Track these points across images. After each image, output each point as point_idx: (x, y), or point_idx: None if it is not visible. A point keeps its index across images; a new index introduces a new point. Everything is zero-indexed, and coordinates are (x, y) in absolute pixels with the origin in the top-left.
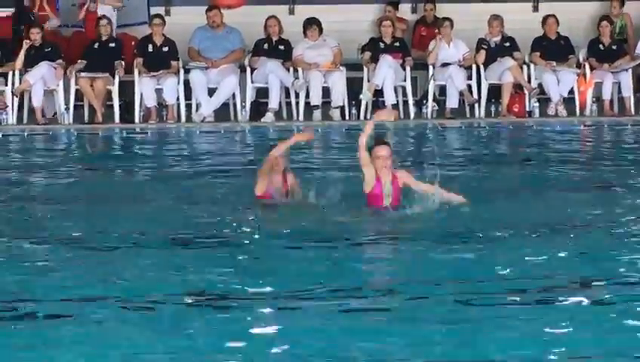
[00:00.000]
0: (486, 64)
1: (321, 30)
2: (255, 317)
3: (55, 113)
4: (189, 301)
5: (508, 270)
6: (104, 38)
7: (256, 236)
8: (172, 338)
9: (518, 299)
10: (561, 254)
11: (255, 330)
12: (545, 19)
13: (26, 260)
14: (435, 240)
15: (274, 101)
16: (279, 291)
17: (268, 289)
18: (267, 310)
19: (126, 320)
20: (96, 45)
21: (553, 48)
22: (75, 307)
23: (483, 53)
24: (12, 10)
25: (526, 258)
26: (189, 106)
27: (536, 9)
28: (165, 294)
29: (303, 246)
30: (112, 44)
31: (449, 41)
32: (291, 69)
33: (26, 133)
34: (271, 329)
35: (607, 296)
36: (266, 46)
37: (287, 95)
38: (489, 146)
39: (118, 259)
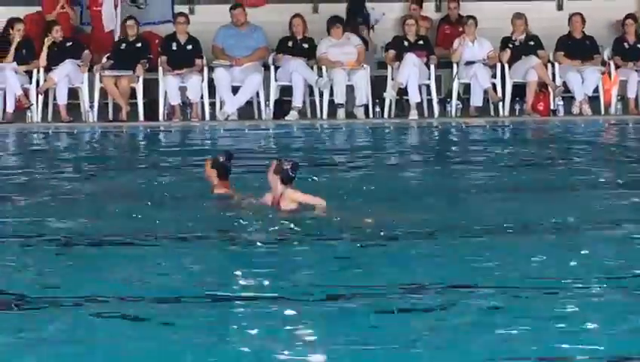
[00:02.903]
0: (510, 62)
1: (344, 28)
2: None
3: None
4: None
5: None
6: (131, 38)
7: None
8: None
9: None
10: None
11: None
12: (570, 17)
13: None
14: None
15: (298, 99)
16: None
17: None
18: None
19: None
20: (122, 45)
21: (578, 47)
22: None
23: (508, 51)
24: (38, 8)
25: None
26: (213, 104)
27: (560, 7)
28: None
29: None
30: (139, 44)
31: (473, 40)
32: (315, 67)
33: (50, 131)
34: None
35: None
36: (290, 44)
37: (311, 93)
38: (513, 144)
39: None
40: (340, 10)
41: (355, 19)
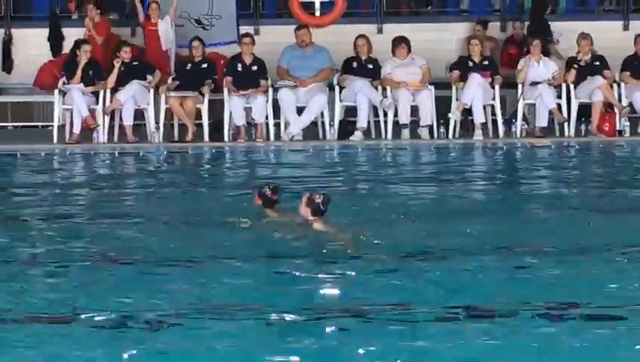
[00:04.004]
0: (576, 83)
1: (409, 49)
2: None
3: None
4: None
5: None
6: (197, 59)
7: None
8: None
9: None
10: None
11: None
12: (636, 37)
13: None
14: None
15: (362, 120)
16: None
17: None
18: None
19: None
20: (188, 66)
21: None
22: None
23: (573, 72)
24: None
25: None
26: (277, 125)
27: (626, 27)
28: None
29: None
30: (205, 65)
31: (538, 60)
32: (380, 87)
33: (116, 152)
34: None
35: None
36: (354, 65)
37: (376, 114)
38: (579, 165)
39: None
40: (404, 30)
41: (540, 35)
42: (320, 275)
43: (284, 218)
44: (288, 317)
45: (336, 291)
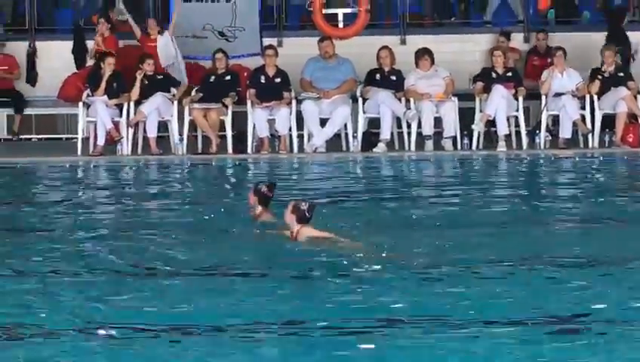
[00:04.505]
0: (600, 94)
1: (432, 60)
2: None
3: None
4: None
5: None
6: (220, 71)
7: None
8: None
9: None
10: None
11: None
12: None
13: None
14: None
15: (386, 131)
16: None
17: None
18: None
19: None
20: (212, 78)
21: None
22: None
23: (597, 83)
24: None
25: None
26: (301, 137)
27: None
28: None
29: None
30: (228, 77)
31: (562, 71)
32: (403, 99)
33: (140, 164)
34: None
35: None
36: (377, 76)
37: (399, 125)
38: (603, 176)
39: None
40: (428, 41)
41: (617, 45)
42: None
43: (275, 220)
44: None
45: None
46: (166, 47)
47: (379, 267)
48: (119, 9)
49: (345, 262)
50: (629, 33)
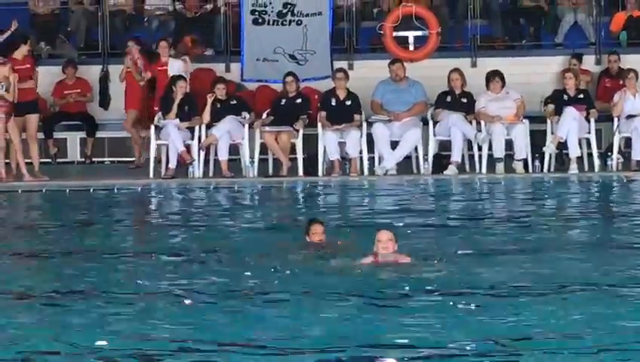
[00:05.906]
0: None
1: (503, 82)
2: None
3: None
4: None
5: None
6: (291, 94)
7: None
8: None
9: None
10: None
11: None
12: None
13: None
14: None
15: (456, 154)
16: None
17: None
18: None
19: None
20: (283, 101)
21: None
22: None
23: None
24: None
25: None
26: (372, 159)
27: None
28: None
29: None
30: (299, 100)
31: (634, 93)
32: (474, 121)
33: (212, 186)
34: None
35: None
36: (448, 99)
37: (470, 148)
38: None
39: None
40: (498, 64)
41: None
42: None
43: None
44: None
45: None
46: (177, 73)
47: None
48: None
49: None
50: None
